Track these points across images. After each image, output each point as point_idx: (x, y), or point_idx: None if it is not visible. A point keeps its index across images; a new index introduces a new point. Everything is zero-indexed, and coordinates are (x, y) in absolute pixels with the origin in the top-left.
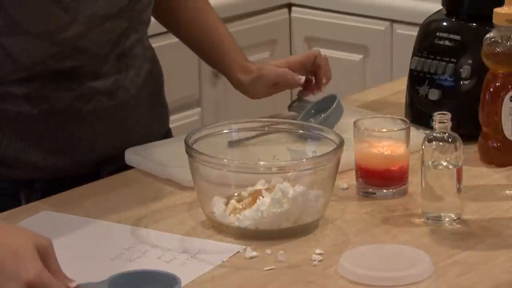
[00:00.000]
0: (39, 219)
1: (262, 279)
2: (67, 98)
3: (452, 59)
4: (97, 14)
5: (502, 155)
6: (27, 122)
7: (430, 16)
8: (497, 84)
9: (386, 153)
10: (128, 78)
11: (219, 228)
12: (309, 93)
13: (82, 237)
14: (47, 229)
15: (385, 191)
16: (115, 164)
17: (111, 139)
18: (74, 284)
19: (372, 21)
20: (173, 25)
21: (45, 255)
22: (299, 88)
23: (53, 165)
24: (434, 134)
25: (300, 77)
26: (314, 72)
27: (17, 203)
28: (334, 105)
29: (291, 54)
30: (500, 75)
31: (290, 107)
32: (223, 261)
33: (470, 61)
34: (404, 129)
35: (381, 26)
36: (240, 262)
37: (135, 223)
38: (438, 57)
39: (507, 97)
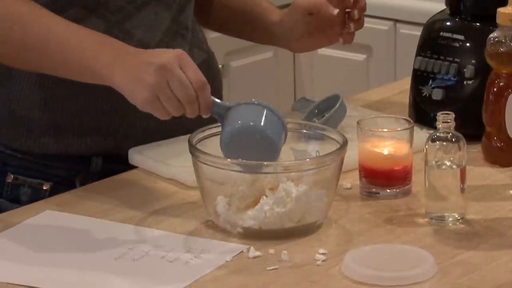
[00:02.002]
0: (43, 219)
1: (265, 279)
2: None
3: (455, 59)
4: None
5: (505, 155)
6: (80, 85)
7: (433, 16)
8: (501, 84)
9: (390, 153)
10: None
11: (223, 228)
12: (347, 37)
13: (86, 236)
14: (51, 228)
15: (388, 191)
16: (166, 137)
17: None
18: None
19: (376, 21)
20: (208, 15)
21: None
22: (303, 88)
23: (108, 129)
24: (437, 134)
25: (334, 8)
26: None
27: None
28: (337, 105)
29: (294, 54)
30: (503, 75)
31: (293, 107)
32: (227, 261)
33: (473, 61)
34: (407, 129)
35: (384, 26)
36: (244, 262)
37: (138, 222)
38: (441, 57)
39: (510, 97)
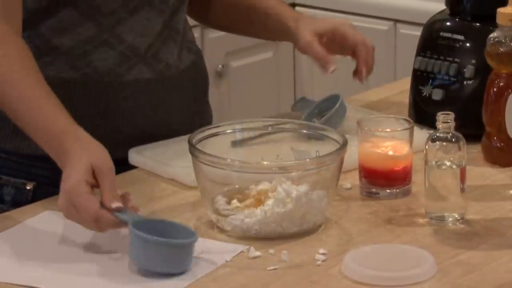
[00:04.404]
0: (43, 219)
1: (265, 278)
2: (108, 60)
3: (455, 59)
4: None
5: (505, 155)
6: (69, 88)
7: (433, 16)
8: (501, 84)
9: (390, 153)
10: (172, 56)
11: (223, 228)
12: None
13: (86, 237)
14: (51, 228)
15: (388, 191)
16: (154, 141)
17: (152, 114)
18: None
19: (376, 21)
20: (206, 11)
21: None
22: (303, 89)
23: (92, 133)
24: (437, 134)
25: (331, 67)
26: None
27: (56, 192)
28: (337, 105)
29: (294, 54)
30: (503, 75)
31: (294, 107)
32: (227, 261)
33: (473, 61)
34: (407, 129)
35: (384, 26)
36: (244, 262)
37: None
38: (441, 57)
39: (510, 97)
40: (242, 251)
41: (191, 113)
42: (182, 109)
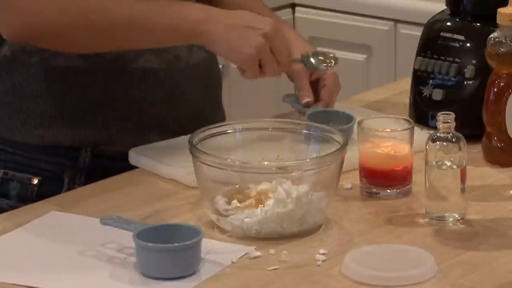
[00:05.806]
0: (48, 220)
1: (265, 279)
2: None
3: (456, 59)
4: None
5: (506, 155)
6: (77, 77)
7: (434, 16)
8: (501, 84)
9: (390, 153)
10: (181, 48)
11: (223, 228)
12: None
13: (90, 237)
14: (56, 229)
15: (388, 191)
16: (161, 133)
17: (160, 104)
18: None
19: (376, 21)
20: None
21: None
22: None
23: (101, 121)
24: (438, 134)
25: (307, 100)
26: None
27: (61, 187)
28: (346, 126)
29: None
30: (504, 75)
31: (285, 98)
32: (233, 262)
33: (474, 61)
34: (408, 129)
35: (384, 26)
36: (244, 262)
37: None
38: (442, 57)
39: (511, 97)
40: (247, 253)
41: (200, 109)
42: (190, 103)
